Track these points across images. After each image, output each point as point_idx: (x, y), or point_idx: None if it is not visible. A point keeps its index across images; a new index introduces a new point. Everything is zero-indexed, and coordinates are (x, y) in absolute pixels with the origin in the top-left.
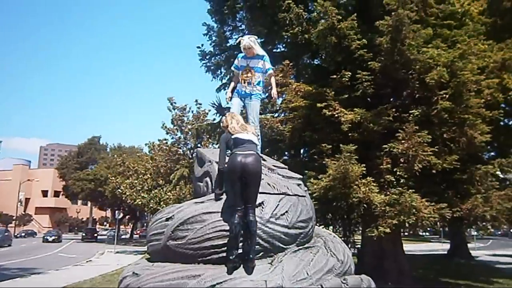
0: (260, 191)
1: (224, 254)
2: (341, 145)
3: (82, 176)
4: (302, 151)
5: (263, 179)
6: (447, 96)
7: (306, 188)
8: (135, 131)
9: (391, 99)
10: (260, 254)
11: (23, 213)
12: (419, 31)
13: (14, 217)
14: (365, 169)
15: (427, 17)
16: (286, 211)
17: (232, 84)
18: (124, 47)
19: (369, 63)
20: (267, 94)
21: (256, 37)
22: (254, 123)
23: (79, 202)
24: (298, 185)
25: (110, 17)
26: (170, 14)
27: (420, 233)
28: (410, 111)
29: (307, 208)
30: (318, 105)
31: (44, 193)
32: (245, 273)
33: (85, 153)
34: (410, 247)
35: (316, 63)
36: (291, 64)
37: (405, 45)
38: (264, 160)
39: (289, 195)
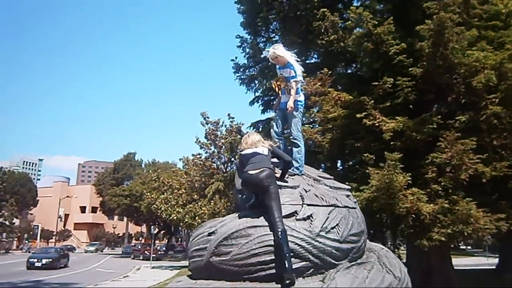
0: (308, 203)
1: (272, 271)
2: (385, 153)
3: (118, 192)
4: (339, 163)
5: (309, 190)
6: (496, 100)
7: (355, 200)
8: (169, 147)
9: (435, 106)
10: (310, 271)
11: (63, 228)
12: (463, 33)
13: (54, 233)
14: (410, 178)
15: (470, 19)
16: (337, 224)
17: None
18: (158, 63)
19: (409, 69)
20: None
21: (282, 44)
22: (293, 133)
23: (115, 217)
24: (347, 196)
25: (145, 34)
26: (202, 28)
27: (462, 247)
28: (457, 117)
29: (358, 221)
30: (358, 115)
31: (82, 209)
32: None
33: (121, 169)
34: (453, 262)
35: (351, 71)
36: (329, 72)
37: (448, 48)
38: (297, 172)
39: (339, 207)
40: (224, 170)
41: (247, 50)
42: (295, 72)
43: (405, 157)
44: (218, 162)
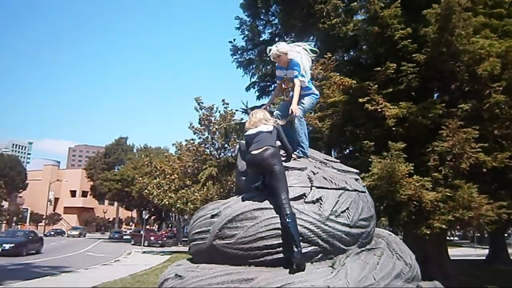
0: (317, 185)
1: (280, 255)
2: (389, 142)
3: (109, 176)
4: (336, 150)
5: (317, 172)
6: (500, 89)
7: (364, 184)
8: (162, 132)
9: (437, 93)
10: (319, 255)
11: (53, 212)
12: (470, 19)
13: (44, 216)
14: (412, 168)
15: (474, 5)
16: (347, 208)
17: (273, 96)
18: (150, 45)
19: (413, 55)
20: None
21: (285, 43)
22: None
23: (106, 202)
24: (356, 180)
25: (136, 19)
26: (198, 10)
27: (449, 238)
28: (459, 105)
29: (368, 205)
30: (360, 100)
31: (73, 193)
32: (294, 273)
33: (112, 153)
34: None
35: (350, 57)
36: (332, 57)
37: (454, 34)
38: (306, 156)
39: (348, 190)
40: (217, 156)
41: (246, 32)
42: (298, 71)
43: (406, 145)
44: (212, 148)
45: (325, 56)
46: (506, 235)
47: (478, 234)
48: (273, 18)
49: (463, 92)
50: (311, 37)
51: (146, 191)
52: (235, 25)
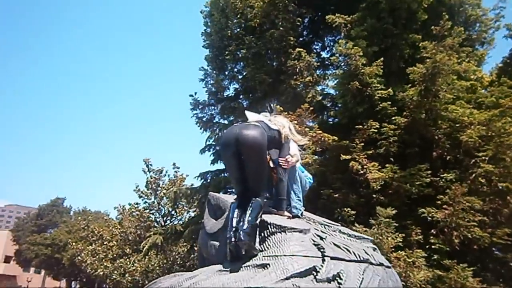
0: (330, 255)
1: None
2: (378, 207)
3: (39, 240)
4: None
5: (325, 237)
6: (486, 159)
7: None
8: (104, 195)
9: (418, 160)
10: None
11: None
12: (454, 83)
13: None
14: (401, 240)
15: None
16: None
17: None
18: (98, 96)
19: (393, 118)
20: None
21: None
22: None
23: (32, 270)
24: (374, 249)
25: (85, 72)
26: (150, 62)
27: None
28: (441, 175)
29: (398, 286)
30: (343, 156)
31: None
32: None
33: (46, 215)
34: None
35: (325, 116)
36: (310, 108)
37: (438, 98)
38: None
39: (372, 264)
40: (163, 224)
41: (209, 86)
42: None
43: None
44: (157, 214)
45: (301, 106)
46: None
47: None
48: (239, 74)
49: (445, 161)
50: (278, 95)
51: (79, 258)
52: (199, 76)
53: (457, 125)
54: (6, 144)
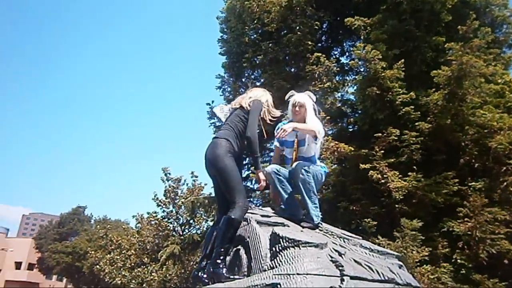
0: (350, 274)
1: None
2: (403, 219)
3: (60, 248)
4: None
5: (344, 253)
6: None
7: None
8: (124, 204)
9: (443, 168)
10: None
11: None
12: (482, 86)
13: None
14: (427, 254)
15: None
16: None
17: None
18: (118, 110)
19: (416, 123)
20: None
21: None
22: None
23: (54, 277)
24: (400, 267)
25: (103, 85)
26: (167, 72)
27: None
28: (470, 184)
29: None
30: (362, 166)
31: (18, 265)
32: None
33: (67, 223)
34: None
35: (346, 122)
36: (327, 117)
37: (465, 102)
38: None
39: (399, 284)
40: (181, 233)
41: (226, 94)
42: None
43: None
44: (175, 223)
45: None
46: None
47: None
48: (256, 80)
49: (472, 169)
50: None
51: (98, 267)
52: (216, 84)
53: (485, 130)
54: (33, 155)
